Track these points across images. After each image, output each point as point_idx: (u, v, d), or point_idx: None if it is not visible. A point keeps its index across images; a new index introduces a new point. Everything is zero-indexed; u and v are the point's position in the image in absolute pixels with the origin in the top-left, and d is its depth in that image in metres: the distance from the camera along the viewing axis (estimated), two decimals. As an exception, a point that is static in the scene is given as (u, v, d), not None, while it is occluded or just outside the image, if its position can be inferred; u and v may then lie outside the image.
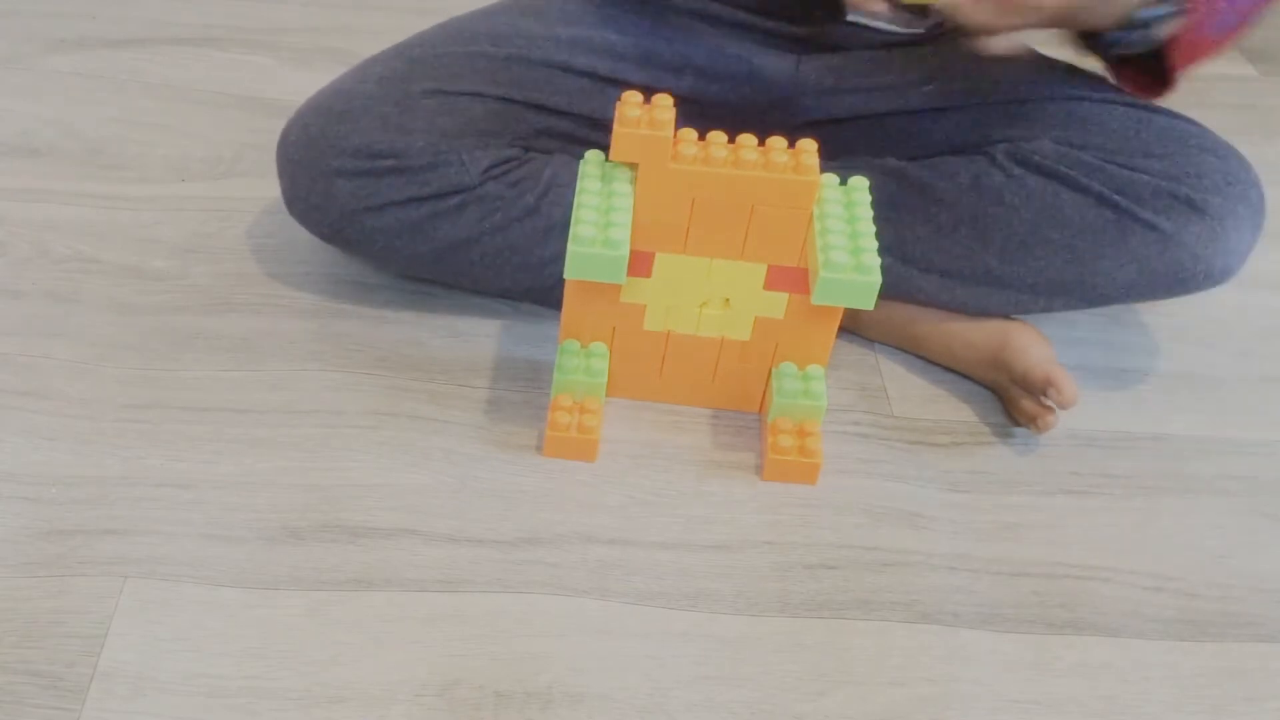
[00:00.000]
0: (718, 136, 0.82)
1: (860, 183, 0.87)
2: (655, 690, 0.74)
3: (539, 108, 0.94)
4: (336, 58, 1.31)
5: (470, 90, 0.92)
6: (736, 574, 0.82)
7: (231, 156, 1.16)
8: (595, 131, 0.95)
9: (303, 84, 1.01)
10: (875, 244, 0.82)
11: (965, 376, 0.99)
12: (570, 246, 0.80)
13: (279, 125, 0.94)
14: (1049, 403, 0.92)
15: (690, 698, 0.74)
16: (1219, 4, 0.84)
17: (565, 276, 0.82)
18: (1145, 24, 0.84)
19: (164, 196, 1.10)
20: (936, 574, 0.84)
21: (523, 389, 0.94)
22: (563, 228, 0.92)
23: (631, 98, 0.81)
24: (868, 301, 0.82)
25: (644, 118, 0.80)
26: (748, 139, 0.82)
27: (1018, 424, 0.95)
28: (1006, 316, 0.97)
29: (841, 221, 0.83)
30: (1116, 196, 0.90)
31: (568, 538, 0.83)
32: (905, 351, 1.01)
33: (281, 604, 0.77)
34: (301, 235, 1.01)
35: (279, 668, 0.73)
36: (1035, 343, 0.94)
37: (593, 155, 0.86)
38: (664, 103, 0.81)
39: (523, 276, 0.95)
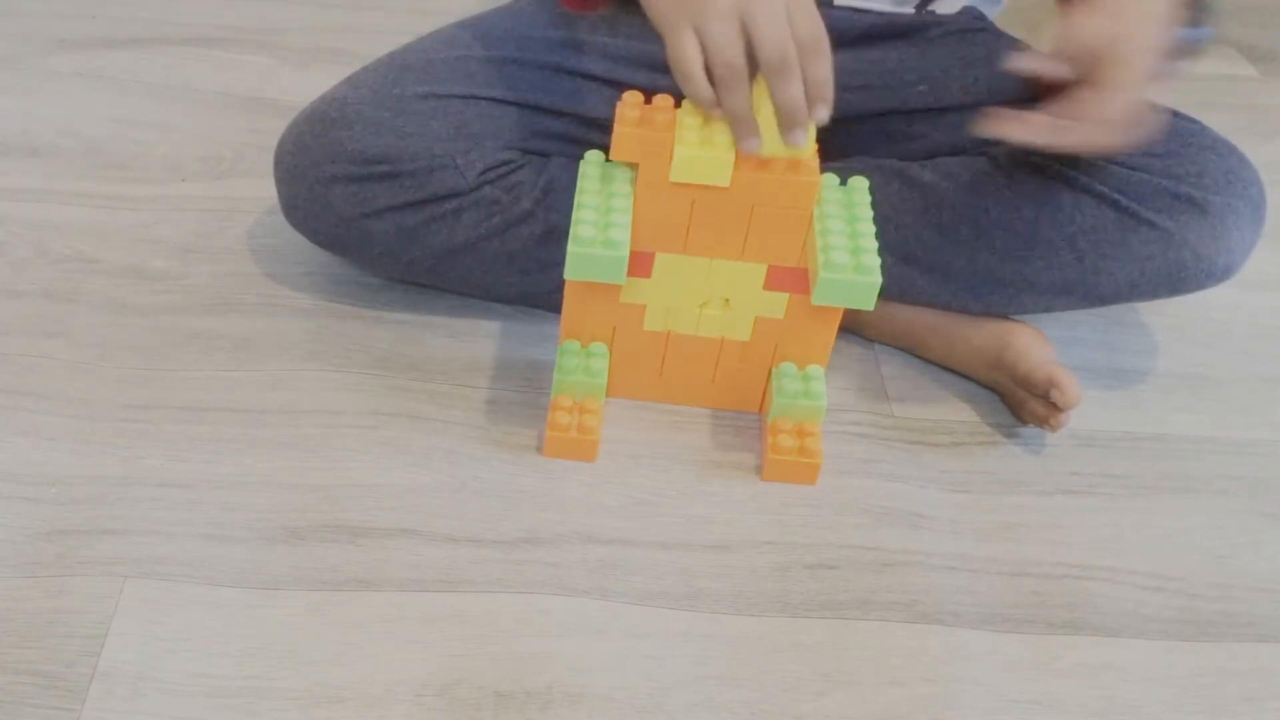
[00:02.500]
0: None
1: (860, 183, 0.87)
2: (655, 690, 0.74)
3: (534, 109, 0.94)
4: (336, 58, 1.31)
5: (464, 93, 0.92)
6: (736, 574, 0.82)
7: (231, 156, 1.17)
8: (591, 132, 0.95)
9: (303, 84, 1.01)
10: (875, 244, 0.82)
11: (966, 377, 0.99)
12: (570, 247, 0.80)
13: (279, 125, 0.94)
14: (1054, 402, 0.92)
15: (690, 698, 0.74)
16: None
17: (565, 277, 0.82)
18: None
19: (164, 196, 1.10)
20: (936, 574, 0.84)
21: (522, 389, 0.94)
22: (561, 232, 0.92)
23: (632, 98, 0.81)
24: (868, 302, 0.82)
25: (644, 117, 0.80)
26: None
27: (1026, 424, 0.95)
28: (1007, 317, 0.97)
29: (841, 222, 0.83)
30: (1117, 196, 0.90)
31: (568, 538, 0.83)
32: (905, 351, 1.01)
33: (281, 604, 0.77)
34: (301, 235, 1.01)
35: (279, 668, 0.73)
36: (1036, 344, 0.94)
37: (592, 155, 0.86)
38: (664, 103, 0.81)
39: (521, 281, 0.95)
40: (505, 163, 0.92)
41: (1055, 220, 0.91)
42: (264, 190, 1.10)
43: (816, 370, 0.90)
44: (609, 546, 0.83)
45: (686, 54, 0.75)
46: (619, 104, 0.81)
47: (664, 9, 0.77)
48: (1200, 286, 0.92)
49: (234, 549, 0.80)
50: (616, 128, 0.80)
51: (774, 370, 0.91)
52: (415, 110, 0.90)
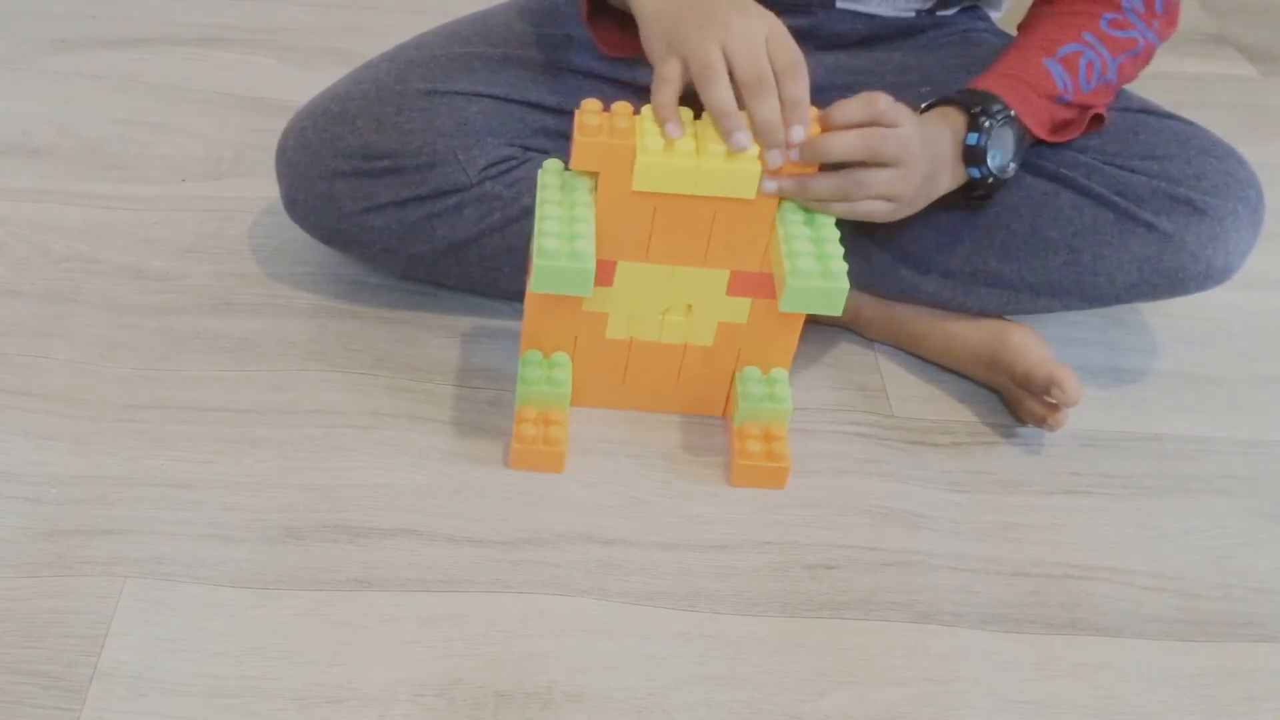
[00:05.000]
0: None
1: None
2: (655, 690, 0.74)
3: (536, 107, 0.94)
4: (336, 58, 1.31)
5: (467, 90, 0.92)
6: (736, 574, 0.82)
7: (231, 156, 1.17)
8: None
9: (303, 84, 1.01)
10: (841, 250, 0.80)
11: (964, 376, 0.99)
12: (536, 260, 0.79)
13: (279, 125, 0.95)
14: (1054, 401, 0.91)
15: (690, 698, 0.74)
16: (1037, 90, 0.88)
17: (532, 290, 0.81)
18: (983, 150, 0.86)
19: (164, 196, 1.10)
20: (936, 574, 0.84)
21: (523, 389, 0.94)
22: None
23: (590, 105, 0.80)
24: (835, 308, 0.80)
25: (603, 126, 0.78)
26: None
27: (1024, 424, 0.95)
28: (1004, 317, 0.97)
29: (804, 226, 0.82)
30: (1116, 197, 0.90)
31: (568, 538, 0.83)
32: (904, 351, 1.01)
33: (281, 604, 0.77)
34: (302, 235, 1.01)
35: (279, 668, 0.73)
36: (1033, 343, 0.94)
37: (551, 165, 0.84)
38: (624, 110, 0.79)
39: (521, 277, 0.95)
40: (506, 159, 0.92)
41: (1055, 221, 0.91)
42: (264, 190, 1.10)
43: (780, 373, 0.89)
44: (609, 546, 0.83)
45: (668, 73, 0.78)
46: (576, 112, 0.79)
47: (654, 41, 0.79)
48: (1199, 288, 0.92)
49: (234, 549, 0.80)
50: (575, 137, 0.78)
51: (738, 374, 0.90)
52: (418, 106, 0.90)
